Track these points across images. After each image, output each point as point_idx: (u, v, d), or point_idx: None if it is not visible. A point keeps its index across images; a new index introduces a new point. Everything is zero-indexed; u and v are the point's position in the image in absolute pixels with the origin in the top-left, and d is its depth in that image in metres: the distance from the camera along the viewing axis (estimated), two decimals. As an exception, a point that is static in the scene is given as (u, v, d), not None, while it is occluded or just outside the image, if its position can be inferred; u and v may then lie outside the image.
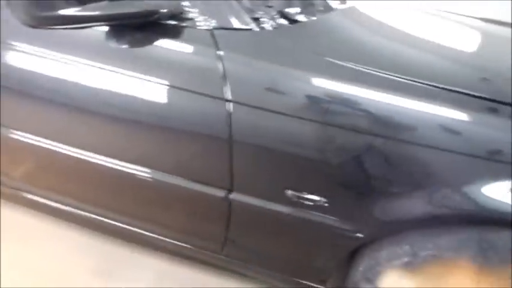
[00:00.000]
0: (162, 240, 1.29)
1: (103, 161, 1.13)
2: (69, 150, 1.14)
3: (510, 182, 0.83)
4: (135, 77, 0.98)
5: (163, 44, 0.96)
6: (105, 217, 1.32)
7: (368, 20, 1.16)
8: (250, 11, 0.97)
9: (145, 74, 0.97)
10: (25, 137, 1.19)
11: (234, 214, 1.09)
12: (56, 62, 1.04)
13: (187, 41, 0.95)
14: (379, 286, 1.01)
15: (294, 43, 0.95)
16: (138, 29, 0.96)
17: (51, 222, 1.53)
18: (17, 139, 1.19)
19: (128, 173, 1.12)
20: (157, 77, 0.97)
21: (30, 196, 1.40)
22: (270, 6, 0.99)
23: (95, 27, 0.97)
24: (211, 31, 0.94)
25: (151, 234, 1.29)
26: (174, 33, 0.95)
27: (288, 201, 0.99)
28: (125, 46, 0.97)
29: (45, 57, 1.04)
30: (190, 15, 0.95)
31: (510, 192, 0.83)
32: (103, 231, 1.47)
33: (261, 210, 1.03)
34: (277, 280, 1.24)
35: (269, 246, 1.15)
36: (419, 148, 0.88)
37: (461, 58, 1.02)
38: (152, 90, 0.98)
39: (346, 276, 1.09)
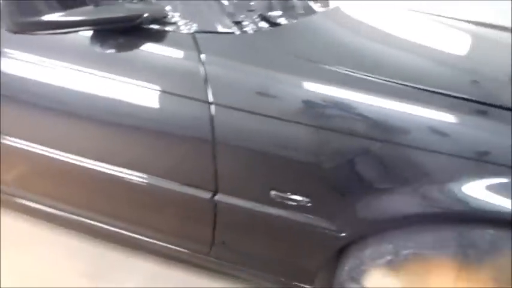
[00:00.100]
0: (151, 242, 1.30)
1: (91, 164, 1.14)
2: (57, 154, 1.15)
3: (495, 181, 0.85)
4: (119, 81, 0.99)
5: (147, 48, 0.97)
6: (96, 220, 1.33)
7: (352, 21, 1.18)
8: (231, 14, 0.98)
9: (128, 77, 0.99)
10: (15, 142, 1.20)
11: (220, 215, 1.10)
12: (41, 67, 1.05)
13: (170, 44, 0.96)
14: (364, 285, 1.02)
15: (275, 46, 0.96)
16: (121, 33, 0.97)
17: (44, 227, 1.54)
18: (8, 144, 1.20)
19: (116, 176, 1.13)
20: (140, 80, 0.98)
21: (22, 201, 1.41)
22: (251, 10, 1.00)
23: (80, 32, 0.99)
24: (193, 35, 0.95)
25: (141, 237, 1.30)
26: (156, 37, 0.96)
27: (272, 202, 1.00)
28: (108, 50, 0.99)
29: (31, 63, 1.06)
30: (172, 20, 0.96)
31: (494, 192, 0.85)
32: (95, 235, 1.49)
33: (246, 211, 1.04)
34: (265, 281, 1.25)
35: (255, 247, 1.16)
36: (401, 148, 0.89)
37: (450, 60, 1.03)
38: (136, 94, 0.99)
39: (333, 276, 1.10)
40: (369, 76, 0.91)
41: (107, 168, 1.13)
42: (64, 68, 1.04)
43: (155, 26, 0.96)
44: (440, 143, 0.86)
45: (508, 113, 0.85)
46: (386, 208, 0.93)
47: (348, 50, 1.01)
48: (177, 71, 0.96)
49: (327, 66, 0.92)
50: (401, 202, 0.91)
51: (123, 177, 1.13)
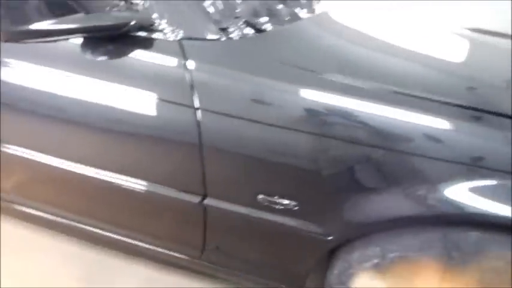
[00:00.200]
0: (145, 247, 1.31)
1: (83, 170, 1.15)
2: (50, 160, 1.17)
3: (483, 184, 0.85)
4: (109, 88, 1.01)
5: (135, 54, 0.99)
6: (90, 226, 1.34)
7: (339, 26, 1.19)
8: (217, 21, 1.00)
9: (117, 84, 1.01)
10: (12, 149, 1.22)
11: (209, 219, 1.11)
12: (35, 74, 1.08)
13: (157, 51, 0.98)
14: (353, 288, 1.03)
15: (260, 52, 0.98)
16: (110, 40, 0.99)
17: (41, 233, 1.56)
18: (6, 152, 1.23)
19: (108, 181, 1.14)
20: (129, 86, 1.00)
21: (18, 207, 1.43)
22: (237, 17, 1.02)
23: (72, 40, 1.01)
24: (179, 41, 0.97)
25: (135, 242, 1.31)
26: (144, 44, 0.98)
27: (260, 206, 1.01)
28: (98, 57, 1.00)
29: (26, 70, 1.08)
30: (160, 27, 0.98)
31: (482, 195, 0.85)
32: (90, 240, 1.50)
33: (234, 215, 1.05)
34: (256, 284, 1.25)
35: (245, 251, 1.17)
36: (388, 152, 0.89)
37: (444, 66, 1.03)
38: (125, 100, 1.01)
39: (324, 277, 1.11)
40: (355, 82, 0.91)
41: (99, 174, 1.14)
42: (56, 75, 1.06)
43: (143, 33, 0.98)
44: (428, 148, 0.87)
45: (503, 119, 0.86)
46: (372, 211, 0.93)
47: (334, 55, 1.02)
48: (164, 77, 0.98)
49: (311, 72, 0.93)
50: (387, 205, 0.92)
51: (114, 183, 1.14)
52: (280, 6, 1.08)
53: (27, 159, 1.20)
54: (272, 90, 0.93)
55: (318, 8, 1.17)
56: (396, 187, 0.90)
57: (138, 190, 1.13)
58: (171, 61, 0.97)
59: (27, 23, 0.88)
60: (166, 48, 0.97)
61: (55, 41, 0.92)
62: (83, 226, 1.34)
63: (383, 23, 1.23)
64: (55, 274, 1.44)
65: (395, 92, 0.90)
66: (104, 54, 1.00)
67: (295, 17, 1.10)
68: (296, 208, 0.99)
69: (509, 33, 1.17)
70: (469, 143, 0.86)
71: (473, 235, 0.88)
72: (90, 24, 0.93)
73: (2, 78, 1.10)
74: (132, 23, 0.94)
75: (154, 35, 0.98)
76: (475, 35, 1.17)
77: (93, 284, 1.42)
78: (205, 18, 1.00)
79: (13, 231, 1.57)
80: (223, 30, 0.99)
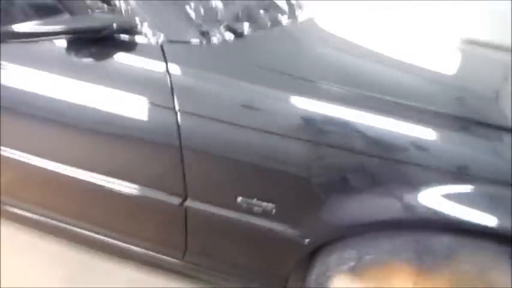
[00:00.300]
0: (130, 249, 1.32)
1: (68, 171, 1.16)
2: (32, 160, 1.18)
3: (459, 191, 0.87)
4: (92, 89, 1.02)
5: (117, 57, 1.00)
6: (76, 226, 1.35)
7: (323, 33, 1.21)
8: (198, 25, 1.02)
9: (101, 86, 1.02)
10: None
11: (190, 221, 1.12)
12: (22, 76, 1.09)
13: (139, 54, 0.99)
14: (330, 291, 1.04)
15: (239, 56, 0.99)
16: (94, 43, 1.00)
17: (27, 233, 1.57)
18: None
19: (91, 182, 1.15)
20: (112, 88, 1.01)
21: (6, 208, 1.44)
22: (218, 21, 1.03)
23: (57, 41, 1.02)
24: (160, 45, 0.98)
25: (119, 243, 1.32)
26: (126, 46, 0.99)
27: (239, 208, 1.03)
28: (82, 59, 1.02)
29: (13, 72, 1.09)
30: (142, 30, 0.99)
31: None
32: (76, 241, 1.51)
33: (214, 217, 1.06)
34: (238, 286, 1.26)
35: (226, 253, 1.18)
36: (364, 157, 0.90)
37: (422, 72, 1.04)
38: (108, 102, 1.02)
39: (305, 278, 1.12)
40: (331, 86, 0.93)
41: (82, 175, 1.15)
42: (42, 77, 1.07)
43: (125, 36, 1.00)
44: (405, 154, 0.88)
45: (489, 128, 0.87)
46: (347, 215, 0.95)
47: (312, 60, 1.04)
48: (145, 79, 0.99)
49: (288, 76, 0.95)
50: (362, 209, 0.93)
51: (98, 183, 1.15)
52: (262, 12, 1.10)
53: (12, 159, 1.21)
54: (250, 93, 0.95)
55: (301, 15, 1.18)
56: (371, 192, 0.92)
57: (121, 191, 1.14)
58: (152, 64, 0.98)
59: (10, 24, 0.89)
60: (147, 51, 0.99)
61: (37, 41, 0.93)
62: (69, 227, 1.35)
63: (369, 31, 1.25)
64: (39, 274, 1.44)
65: (369, 97, 0.91)
66: (87, 56, 1.01)
67: (276, 23, 1.11)
68: (274, 211, 1.00)
69: (503, 45, 1.18)
70: (449, 151, 0.87)
71: (445, 239, 0.89)
72: (71, 26, 0.94)
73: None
74: (114, 25, 0.95)
75: (136, 38, 1.00)
76: (468, 46, 1.19)
77: (75, 284, 1.42)
78: (186, 22, 1.01)
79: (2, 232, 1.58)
80: (204, 34, 1.01)
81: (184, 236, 1.17)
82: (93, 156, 1.13)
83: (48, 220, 1.38)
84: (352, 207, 0.94)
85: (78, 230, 1.34)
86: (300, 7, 1.21)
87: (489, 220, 0.85)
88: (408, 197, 0.88)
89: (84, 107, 1.04)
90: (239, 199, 1.01)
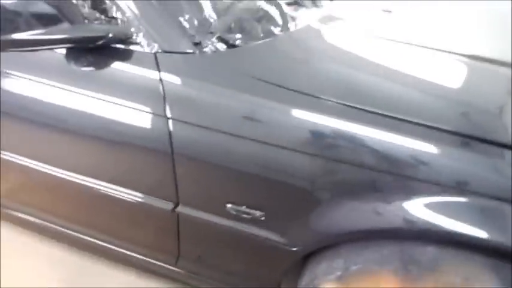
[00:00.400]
0: (125, 253, 1.34)
1: (64, 175, 1.20)
2: (32, 164, 1.22)
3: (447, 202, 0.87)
4: (90, 97, 1.06)
5: (114, 65, 1.04)
6: (73, 231, 1.39)
7: (315, 44, 1.22)
8: (192, 36, 1.05)
9: (98, 93, 1.05)
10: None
11: (182, 227, 1.14)
12: (22, 83, 1.13)
13: (134, 63, 1.03)
14: (317, 300, 1.04)
15: (231, 66, 1.01)
16: (91, 52, 1.04)
17: (30, 236, 1.60)
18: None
19: (89, 187, 1.18)
20: (108, 96, 1.04)
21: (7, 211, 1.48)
22: (211, 32, 1.06)
23: (57, 50, 1.06)
24: (154, 54, 1.01)
25: (116, 248, 1.35)
26: (122, 56, 1.03)
27: (229, 215, 1.04)
28: (80, 67, 1.05)
29: (14, 79, 1.14)
30: (137, 40, 1.03)
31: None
32: (76, 245, 1.53)
33: (205, 223, 1.08)
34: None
35: (217, 260, 1.19)
36: (352, 167, 0.91)
37: (431, 90, 1.04)
38: (104, 109, 1.05)
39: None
40: (321, 97, 0.94)
41: (79, 180, 1.18)
42: (42, 84, 1.11)
43: (121, 46, 1.03)
44: (393, 166, 0.89)
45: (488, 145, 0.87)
46: (333, 224, 0.95)
47: (304, 72, 1.05)
48: (139, 87, 1.02)
49: (278, 87, 0.96)
50: (347, 218, 0.94)
51: (94, 188, 1.18)
52: (254, 24, 1.13)
53: (12, 163, 1.25)
54: (240, 103, 0.97)
55: (294, 26, 1.21)
56: (357, 201, 0.93)
57: (117, 196, 1.16)
58: (146, 72, 1.01)
59: (8, 33, 0.93)
60: (141, 60, 1.02)
61: (34, 50, 0.97)
62: (67, 231, 1.38)
63: (368, 41, 1.25)
64: (38, 276, 1.47)
65: (365, 111, 0.93)
66: (85, 64, 1.05)
67: (269, 34, 1.14)
68: (263, 218, 1.02)
69: (507, 60, 1.17)
70: (449, 166, 0.87)
71: (431, 250, 0.89)
72: (69, 36, 0.98)
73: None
74: (110, 35, 0.99)
75: (132, 47, 1.03)
76: (472, 61, 1.18)
77: (71, 285, 1.45)
78: (180, 32, 1.04)
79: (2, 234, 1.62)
80: (197, 44, 1.03)
81: (177, 242, 1.19)
82: (89, 161, 1.16)
83: (47, 224, 1.42)
84: (337, 216, 0.94)
85: (76, 234, 1.37)
86: (294, 19, 1.23)
87: (481, 233, 0.85)
88: (388, 206, 0.89)
89: (81, 114, 1.07)
90: (228, 206, 1.03)
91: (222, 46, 1.05)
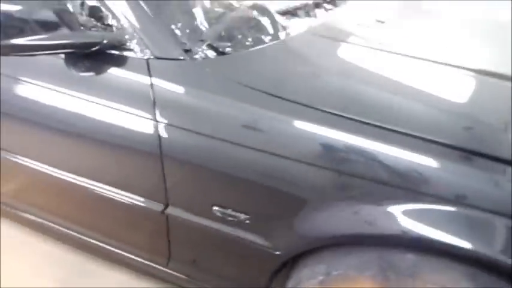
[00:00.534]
0: (120, 254, 1.37)
1: (60, 175, 1.24)
2: (30, 163, 1.27)
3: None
4: (85, 100, 1.10)
5: (108, 70, 1.08)
6: (71, 230, 1.43)
7: (305, 53, 1.25)
8: (182, 43, 1.08)
9: (92, 97, 1.09)
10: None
11: (171, 228, 1.17)
12: (23, 86, 1.18)
13: (127, 68, 1.07)
14: (300, 304, 1.05)
15: (219, 72, 1.04)
16: (88, 57, 1.09)
17: (28, 234, 1.65)
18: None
19: (83, 187, 1.22)
20: (101, 99, 1.08)
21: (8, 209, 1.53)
22: (202, 40, 1.10)
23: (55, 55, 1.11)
24: (146, 60, 1.05)
25: (110, 248, 1.38)
26: (116, 61, 1.07)
27: (215, 217, 1.07)
28: (77, 72, 1.10)
29: (14, 82, 1.19)
30: (130, 46, 1.07)
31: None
32: (73, 244, 1.58)
33: (193, 225, 1.11)
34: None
35: (206, 261, 1.21)
36: (331, 173, 0.92)
37: (435, 103, 1.04)
38: (98, 112, 1.09)
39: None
40: (308, 105, 0.97)
41: (75, 180, 1.23)
42: (40, 87, 1.16)
43: (116, 52, 1.07)
44: (377, 171, 0.90)
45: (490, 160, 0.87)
46: (314, 229, 0.97)
47: (292, 80, 1.08)
48: (132, 92, 1.06)
49: (265, 94, 0.99)
50: (328, 223, 0.95)
51: (89, 188, 1.22)
52: (245, 32, 1.16)
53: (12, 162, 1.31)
54: (227, 108, 1.00)
55: (283, 35, 1.23)
56: (338, 206, 0.94)
57: (111, 197, 1.20)
58: (138, 77, 1.05)
59: (6, 38, 0.98)
60: (134, 65, 1.06)
61: (31, 55, 1.02)
62: (63, 229, 1.43)
63: (365, 51, 1.26)
64: (34, 274, 1.52)
65: (326, 112, 0.94)
66: (82, 69, 1.10)
67: (259, 43, 1.17)
68: (247, 221, 1.04)
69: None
70: (448, 180, 0.87)
71: (409, 257, 0.90)
72: (65, 42, 1.03)
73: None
74: (104, 42, 1.03)
75: (125, 53, 1.07)
76: (478, 75, 1.18)
77: (69, 285, 1.48)
78: (172, 40, 1.08)
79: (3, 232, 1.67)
80: (187, 51, 1.07)
81: (167, 243, 1.21)
82: (83, 162, 1.21)
83: (44, 221, 1.46)
84: (318, 221, 0.96)
85: (72, 232, 1.41)
86: (285, 28, 1.26)
87: (464, 243, 0.85)
88: (369, 212, 0.90)
89: (76, 116, 1.12)
90: (215, 208, 1.05)
91: (212, 53, 1.09)
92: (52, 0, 1.05)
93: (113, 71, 1.08)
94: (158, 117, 1.03)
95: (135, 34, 1.06)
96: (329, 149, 0.93)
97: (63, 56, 1.11)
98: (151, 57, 1.06)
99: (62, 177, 1.24)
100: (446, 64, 1.19)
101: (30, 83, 1.17)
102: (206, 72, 1.04)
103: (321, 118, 0.94)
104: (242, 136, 0.98)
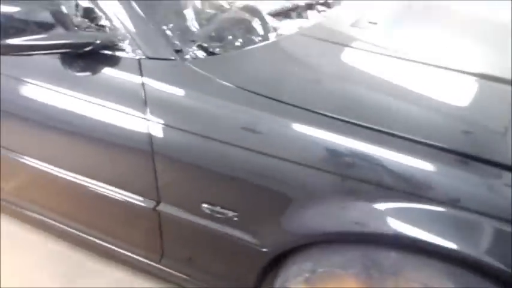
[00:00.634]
0: (115, 250, 1.40)
1: (54, 171, 1.27)
2: (26, 159, 1.30)
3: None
4: (78, 99, 1.13)
5: (101, 70, 1.11)
6: (68, 226, 1.46)
7: (293, 54, 1.26)
8: (173, 43, 1.11)
9: (86, 95, 1.12)
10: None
11: (163, 224, 1.19)
12: (20, 85, 1.22)
13: (119, 68, 1.09)
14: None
15: (208, 72, 1.06)
16: (82, 57, 1.11)
17: (30, 231, 1.69)
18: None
19: (79, 184, 1.25)
20: (97, 98, 1.11)
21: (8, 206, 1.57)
22: (192, 41, 1.12)
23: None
24: (138, 60, 1.08)
25: (106, 245, 1.41)
26: (108, 61, 1.10)
27: (204, 214, 1.08)
28: (71, 72, 1.13)
29: (12, 81, 1.23)
30: (123, 46, 1.10)
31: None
32: (73, 241, 1.61)
33: (183, 221, 1.13)
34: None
35: (197, 258, 1.23)
36: (319, 172, 0.94)
37: (427, 103, 1.04)
38: (92, 110, 1.12)
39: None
40: (287, 103, 0.98)
41: (68, 176, 1.26)
42: (36, 86, 1.19)
43: (108, 52, 1.10)
44: (366, 172, 0.90)
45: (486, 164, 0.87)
46: (301, 226, 0.98)
47: (281, 81, 1.09)
48: (124, 91, 1.09)
49: (254, 94, 1.00)
50: (314, 221, 0.97)
51: (83, 185, 1.25)
52: (235, 33, 1.18)
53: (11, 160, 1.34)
54: (216, 107, 1.02)
55: (273, 36, 1.25)
56: (326, 204, 0.95)
57: (105, 194, 1.22)
58: (130, 77, 1.07)
59: (2, 38, 1.02)
60: (126, 65, 1.08)
61: (26, 55, 1.05)
62: (59, 224, 1.46)
63: (359, 52, 1.27)
64: (33, 270, 1.55)
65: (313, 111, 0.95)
66: (77, 68, 1.12)
67: (249, 42, 1.19)
68: (236, 219, 1.05)
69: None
70: (444, 184, 0.87)
71: (392, 255, 0.91)
72: (59, 42, 1.06)
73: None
74: (97, 42, 1.06)
75: (118, 53, 1.10)
76: (478, 79, 1.17)
77: (66, 281, 1.51)
78: (163, 40, 1.11)
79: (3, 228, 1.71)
80: (178, 52, 1.09)
81: (160, 240, 1.24)
82: (77, 159, 1.23)
83: (44, 219, 1.49)
84: (305, 218, 0.97)
85: (68, 228, 1.44)
86: (276, 29, 1.27)
87: (448, 243, 0.86)
88: (354, 210, 0.91)
89: (71, 114, 1.15)
90: (203, 205, 1.07)
91: (202, 54, 1.11)
92: (47, 0, 1.07)
93: (106, 71, 1.10)
94: (149, 115, 1.05)
95: (127, 35, 1.09)
96: (321, 149, 0.94)
97: (58, 55, 1.14)
98: (143, 57, 1.08)
99: (58, 174, 1.27)
100: (445, 68, 1.19)
101: (27, 82, 1.20)
102: (196, 72, 1.06)
103: (311, 119, 0.96)
104: (232, 135, 0.99)
